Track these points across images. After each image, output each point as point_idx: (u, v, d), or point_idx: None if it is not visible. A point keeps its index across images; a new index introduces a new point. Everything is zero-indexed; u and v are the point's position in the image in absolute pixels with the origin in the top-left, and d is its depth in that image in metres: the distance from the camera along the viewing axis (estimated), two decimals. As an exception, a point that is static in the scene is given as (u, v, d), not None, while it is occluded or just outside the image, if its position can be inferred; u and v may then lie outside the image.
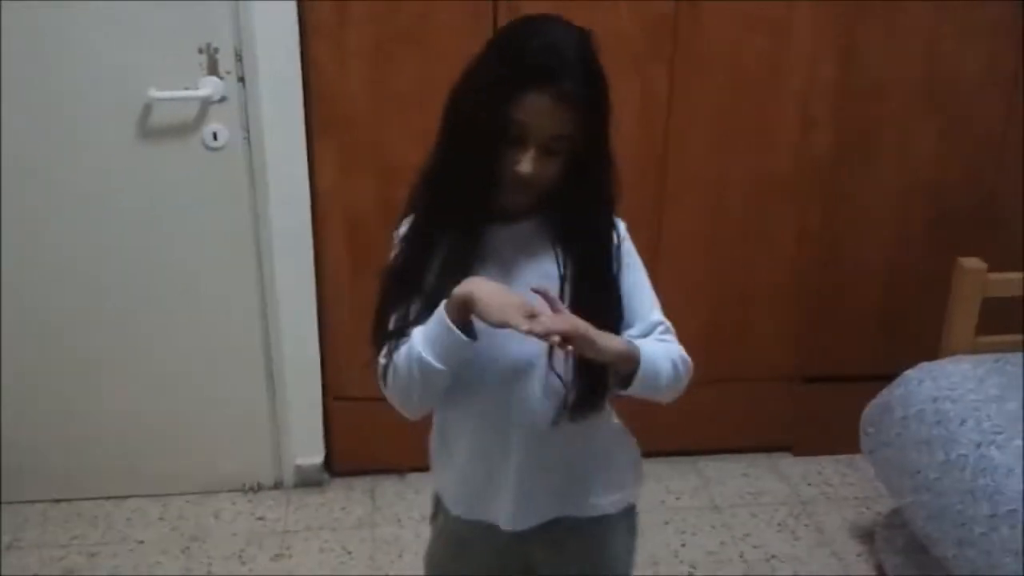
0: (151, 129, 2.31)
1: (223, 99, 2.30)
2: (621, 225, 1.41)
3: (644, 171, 2.48)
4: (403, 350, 1.31)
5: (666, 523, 2.61)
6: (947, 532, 1.97)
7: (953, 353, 2.30)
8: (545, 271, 1.35)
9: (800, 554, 2.51)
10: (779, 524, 2.62)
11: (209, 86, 2.28)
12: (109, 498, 2.64)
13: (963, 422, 2.05)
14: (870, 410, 2.31)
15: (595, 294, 1.35)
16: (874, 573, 2.44)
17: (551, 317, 1.23)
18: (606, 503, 1.50)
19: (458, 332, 1.25)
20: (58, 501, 2.63)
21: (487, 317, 1.22)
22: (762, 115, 2.51)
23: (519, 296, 1.25)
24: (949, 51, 2.50)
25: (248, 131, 2.35)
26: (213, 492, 2.68)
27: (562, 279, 1.35)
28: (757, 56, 2.44)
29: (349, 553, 2.48)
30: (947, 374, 2.19)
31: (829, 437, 2.82)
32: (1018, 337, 2.35)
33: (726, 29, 2.40)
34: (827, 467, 2.85)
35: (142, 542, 2.51)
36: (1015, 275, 2.31)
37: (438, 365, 1.27)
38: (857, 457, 2.71)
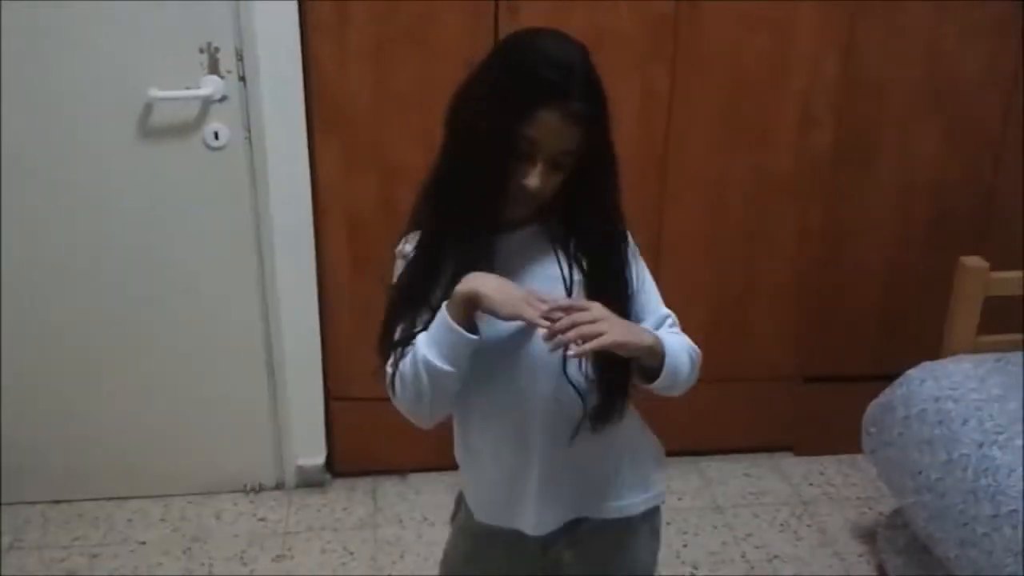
0: (152, 128, 2.31)
1: (224, 98, 2.31)
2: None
3: (644, 171, 2.48)
4: (408, 357, 1.31)
5: (668, 523, 2.58)
6: (949, 532, 1.97)
7: (955, 352, 2.30)
8: (552, 274, 1.35)
9: (802, 554, 2.51)
10: (781, 524, 2.62)
11: (210, 85, 2.28)
12: (110, 499, 2.63)
13: (965, 422, 2.04)
14: (872, 410, 2.30)
15: (606, 293, 1.34)
16: (876, 573, 2.44)
17: (580, 313, 1.23)
18: (630, 504, 1.49)
19: (461, 330, 1.25)
20: (59, 502, 2.63)
21: (497, 311, 1.23)
22: (763, 115, 2.51)
23: (524, 288, 1.26)
24: (949, 51, 2.51)
25: (249, 130, 2.35)
26: (214, 493, 2.68)
27: (570, 280, 1.35)
28: (758, 56, 2.44)
29: (351, 554, 2.48)
30: (949, 374, 2.19)
31: (831, 437, 2.82)
32: (1019, 336, 2.35)
33: (727, 29, 2.40)
34: (829, 467, 2.85)
35: (143, 543, 2.50)
36: (1017, 274, 2.30)
37: (445, 367, 1.27)
38: (859, 457, 2.71)
